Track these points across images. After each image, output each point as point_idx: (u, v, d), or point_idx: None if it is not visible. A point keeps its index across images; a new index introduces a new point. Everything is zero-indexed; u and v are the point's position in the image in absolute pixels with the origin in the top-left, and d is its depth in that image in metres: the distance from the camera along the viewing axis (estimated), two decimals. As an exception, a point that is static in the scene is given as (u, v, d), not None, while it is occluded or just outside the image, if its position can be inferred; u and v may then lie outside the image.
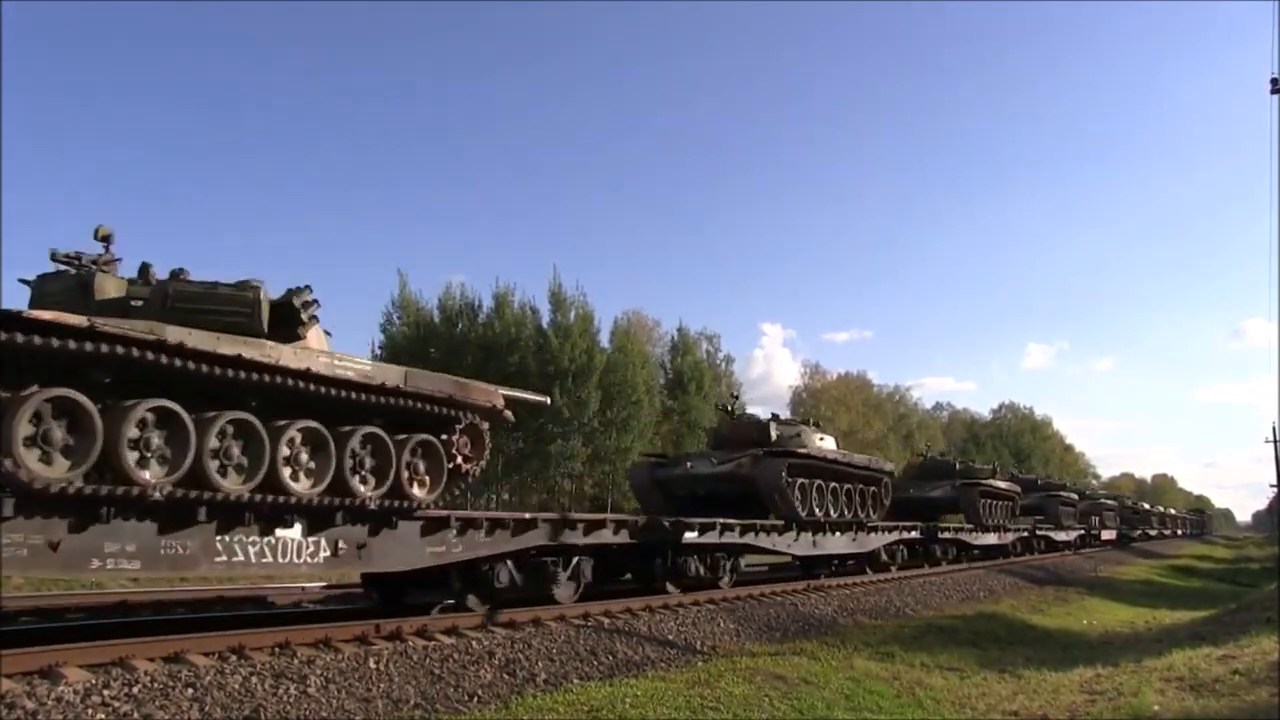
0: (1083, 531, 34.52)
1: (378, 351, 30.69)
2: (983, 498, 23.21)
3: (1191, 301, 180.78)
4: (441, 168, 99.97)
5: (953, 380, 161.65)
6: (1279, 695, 7.08)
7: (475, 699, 6.48)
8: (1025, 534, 27.33)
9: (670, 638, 9.24)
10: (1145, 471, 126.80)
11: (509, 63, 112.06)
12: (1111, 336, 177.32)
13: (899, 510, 19.72)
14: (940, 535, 20.65)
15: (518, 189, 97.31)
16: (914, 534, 19.14)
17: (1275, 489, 50.27)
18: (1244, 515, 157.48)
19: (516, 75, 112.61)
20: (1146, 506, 58.21)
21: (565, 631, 8.40)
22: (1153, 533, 49.25)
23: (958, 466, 24.82)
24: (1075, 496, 35.48)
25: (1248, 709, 6.89)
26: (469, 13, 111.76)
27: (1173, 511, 66.07)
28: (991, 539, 23.61)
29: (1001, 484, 25.53)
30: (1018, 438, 77.44)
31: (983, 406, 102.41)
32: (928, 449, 31.18)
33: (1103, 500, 42.23)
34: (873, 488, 16.80)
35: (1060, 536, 30.90)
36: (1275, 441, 44.77)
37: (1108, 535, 38.91)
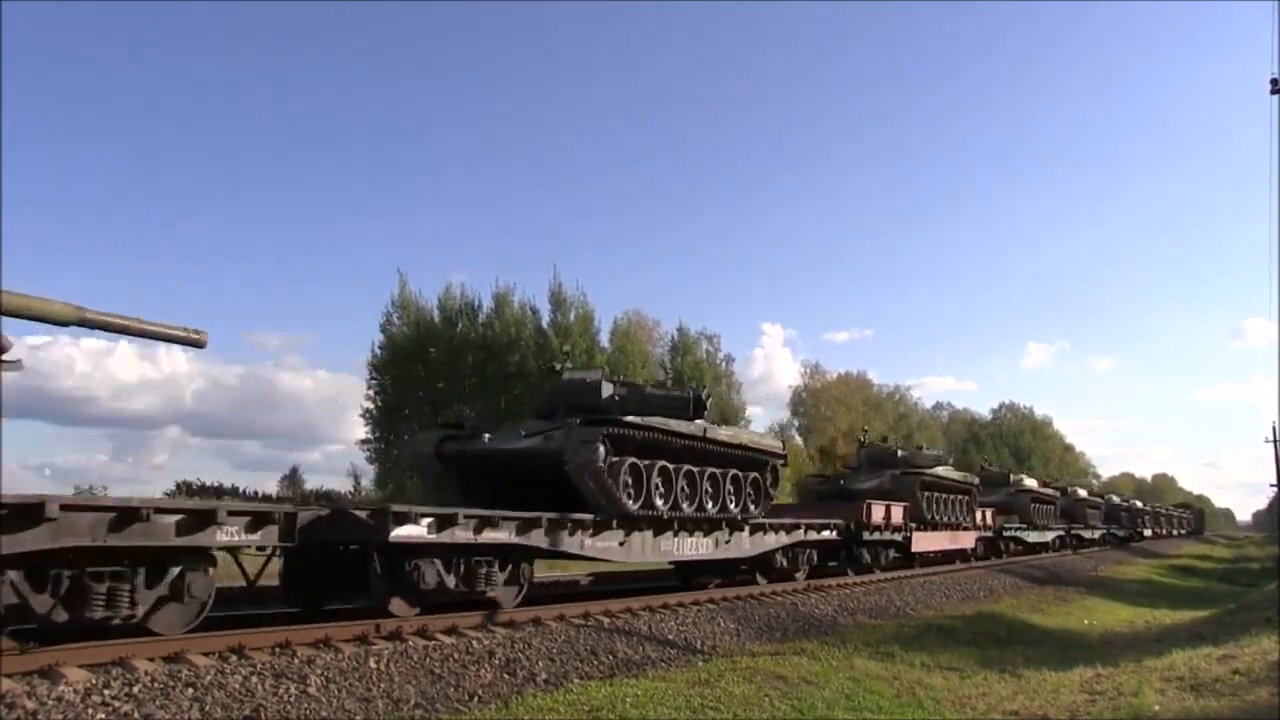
0: (1104, 531, 39.52)
1: (378, 351, 30.70)
2: (1033, 502, 28.24)
3: (1192, 301, 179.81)
4: (441, 167, 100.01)
5: (954, 380, 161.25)
6: (1279, 695, 7.08)
7: (475, 699, 6.49)
8: (1062, 533, 31.95)
9: (670, 638, 9.25)
10: (1145, 471, 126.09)
11: (510, 62, 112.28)
12: (1111, 336, 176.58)
13: None
14: (1004, 534, 25.41)
15: (517, 188, 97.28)
16: (989, 533, 23.81)
17: (1275, 489, 50.35)
18: (1244, 515, 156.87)
19: (517, 74, 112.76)
20: (1153, 508, 58.14)
21: (565, 631, 8.41)
22: (1147, 532, 49.35)
23: (1011, 477, 29.65)
24: (1100, 501, 40.89)
25: (1248, 709, 6.89)
26: (469, 12, 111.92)
27: (1139, 503, 64.88)
28: (1039, 537, 28.58)
29: (1046, 490, 30.92)
30: (1018, 437, 77.48)
31: (983, 406, 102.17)
32: (987, 462, 37.94)
33: (1120, 504, 46.04)
34: (965, 497, 21.60)
35: (1088, 535, 36.07)
36: (1275, 441, 44.84)
37: (1121, 533, 43.24)
